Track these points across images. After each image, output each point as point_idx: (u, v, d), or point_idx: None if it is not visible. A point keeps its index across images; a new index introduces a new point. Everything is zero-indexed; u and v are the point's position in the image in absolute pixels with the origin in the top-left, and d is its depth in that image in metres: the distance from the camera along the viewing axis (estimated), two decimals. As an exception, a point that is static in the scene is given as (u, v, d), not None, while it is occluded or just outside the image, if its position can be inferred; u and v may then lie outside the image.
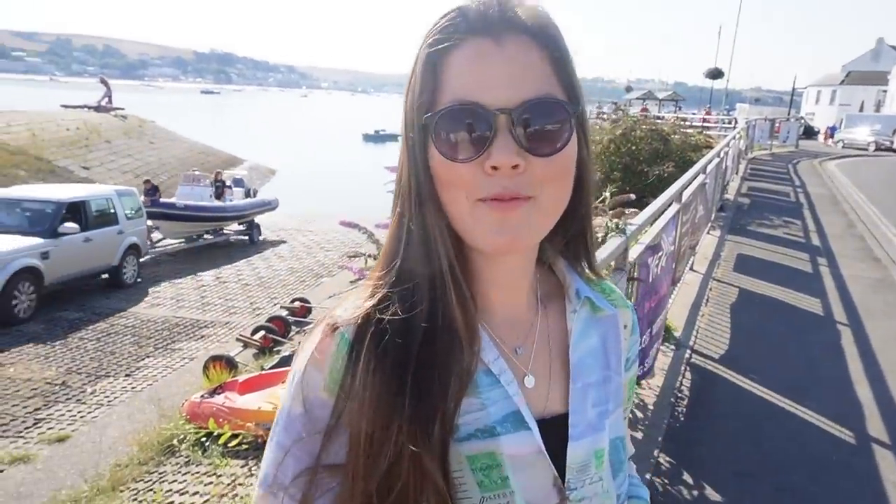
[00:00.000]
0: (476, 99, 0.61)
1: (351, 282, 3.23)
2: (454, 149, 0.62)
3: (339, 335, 0.65)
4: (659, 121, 14.60)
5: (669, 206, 4.55)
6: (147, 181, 15.48)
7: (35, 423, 6.17)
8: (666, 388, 4.10)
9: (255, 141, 39.25)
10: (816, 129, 41.41)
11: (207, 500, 4.35)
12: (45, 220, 9.81)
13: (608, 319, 0.79)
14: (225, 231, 15.90)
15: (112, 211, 11.14)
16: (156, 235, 14.21)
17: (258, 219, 16.48)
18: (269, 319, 8.58)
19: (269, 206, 17.04)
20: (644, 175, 10.47)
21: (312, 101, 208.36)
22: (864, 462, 3.40)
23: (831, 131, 38.12)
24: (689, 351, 4.79)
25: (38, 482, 5.06)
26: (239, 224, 16.07)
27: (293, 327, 8.55)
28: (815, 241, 8.89)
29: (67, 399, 6.77)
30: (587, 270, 0.78)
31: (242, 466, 4.69)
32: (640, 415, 3.72)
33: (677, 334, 5.04)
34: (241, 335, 8.21)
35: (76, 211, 10.25)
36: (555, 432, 0.69)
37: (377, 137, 56.64)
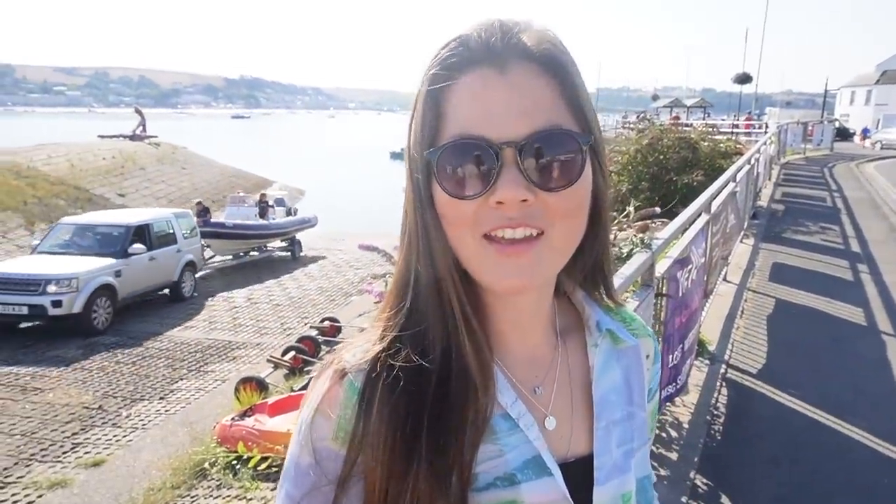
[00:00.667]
0: (480, 132, 0.58)
1: (375, 303, 3.21)
2: (459, 185, 0.59)
3: (348, 382, 0.63)
4: (687, 128, 14.39)
5: (699, 216, 4.44)
6: (199, 203, 16.80)
7: (73, 448, 6.29)
8: (701, 405, 3.97)
9: (284, 162, 39.92)
10: (852, 131, 40.34)
11: (238, 525, 4.35)
12: (116, 242, 11.14)
13: (630, 351, 0.75)
14: (269, 247, 17.17)
15: (171, 232, 12.38)
16: (207, 253, 15.17)
17: (298, 235, 17.41)
18: (299, 339, 8.63)
19: (308, 223, 17.94)
20: (673, 184, 10.30)
21: (339, 122, 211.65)
22: (916, 482, 3.22)
23: (865, 133, 37.48)
24: (724, 365, 4.64)
25: (74, 507, 5.13)
26: (281, 241, 17.24)
27: (323, 347, 8.58)
28: (855, 247, 8.59)
29: (104, 423, 6.89)
30: (605, 298, 0.75)
31: (272, 490, 4.68)
32: (674, 434, 3.60)
33: (712, 348, 4.90)
34: (271, 356, 8.26)
35: (142, 233, 11.55)
36: (579, 476, 0.67)
37: (403, 155, 57.05)
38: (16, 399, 7.44)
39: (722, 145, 11.86)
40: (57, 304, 9.64)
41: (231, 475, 4.98)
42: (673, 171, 10.43)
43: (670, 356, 3.52)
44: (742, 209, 7.93)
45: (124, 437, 6.54)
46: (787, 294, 6.35)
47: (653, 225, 4.48)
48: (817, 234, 9.23)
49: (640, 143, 11.00)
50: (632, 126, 17.81)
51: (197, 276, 13.23)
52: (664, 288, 3.29)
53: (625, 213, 3.31)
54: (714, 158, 11.44)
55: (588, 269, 0.72)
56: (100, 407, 7.27)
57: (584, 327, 0.74)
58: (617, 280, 2.45)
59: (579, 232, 0.64)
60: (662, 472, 3.20)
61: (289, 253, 17.06)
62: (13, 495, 5.39)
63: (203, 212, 15.84)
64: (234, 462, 5.08)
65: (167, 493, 4.98)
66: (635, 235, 3.02)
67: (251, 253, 16.67)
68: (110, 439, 6.49)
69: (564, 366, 0.71)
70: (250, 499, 4.66)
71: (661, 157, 10.85)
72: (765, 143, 11.76)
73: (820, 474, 3.29)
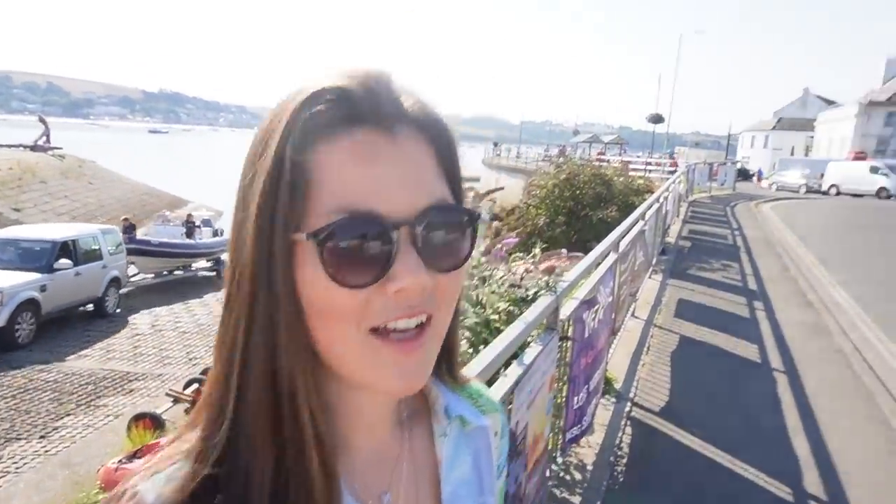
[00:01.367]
0: (371, 207, 0.49)
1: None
2: (347, 271, 0.49)
3: None
4: (602, 164, 14.97)
5: (607, 256, 4.53)
6: (125, 219, 16.86)
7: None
8: (606, 445, 3.98)
9: (203, 181, 38.42)
10: (752, 172, 43.51)
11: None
12: (42, 257, 11.17)
13: (479, 432, 0.69)
14: (194, 267, 17.52)
15: (97, 248, 12.52)
16: (131, 270, 15.06)
17: (224, 255, 17.80)
18: (204, 371, 8.16)
19: None
20: (588, 219, 10.65)
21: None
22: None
23: (759, 174, 41.26)
24: (629, 403, 4.71)
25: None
26: (207, 261, 17.61)
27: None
28: (752, 284, 9.10)
29: (-33, 468, 6.20)
30: (450, 376, 0.68)
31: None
32: (578, 476, 3.58)
33: (618, 386, 4.97)
34: (171, 390, 7.76)
35: (68, 248, 11.60)
36: None
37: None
38: None
39: (635, 183, 12.41)
40: None
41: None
42: (588, 207, 10.80)
43: (575, 398, 3.51)
44: (651, 246, 8.24)
45: (-8, 482, 5.90)
46: (691, 330, 6.59)
47: (563, 264, 4.54)
48: (719, 271, 9.73)
49: (557, 178, 11.34)
50: (552, 160, 18.41)
51: (121, 291, 13.38)
52: (570, 331, 3.29)
53: (532, 254, 3.31)
54: (627, 195, 11.96)
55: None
56: (-33, 448, 6.56)
57: (431, 412, 0.66)
58: (519, 325, 2.40)
59: (453, 313, 0.58)
60: (565, 518, 3.16)
61: (214, 273, 17.28)
62: None
63: (129, 228, 15.98)
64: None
65: (37, 547, 4.49)
66: (541, 278, 3.00)
67: (175, 272, 16.82)
68: (-26, 486, 5.83)
69: (411, 463, 0.63)
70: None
71: (578, 192, 11.22)
72: (674, 182, 12.39)
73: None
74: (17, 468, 6.15)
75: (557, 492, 3.38)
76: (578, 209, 10.98)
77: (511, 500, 2.34)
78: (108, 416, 7.57)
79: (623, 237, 5.17)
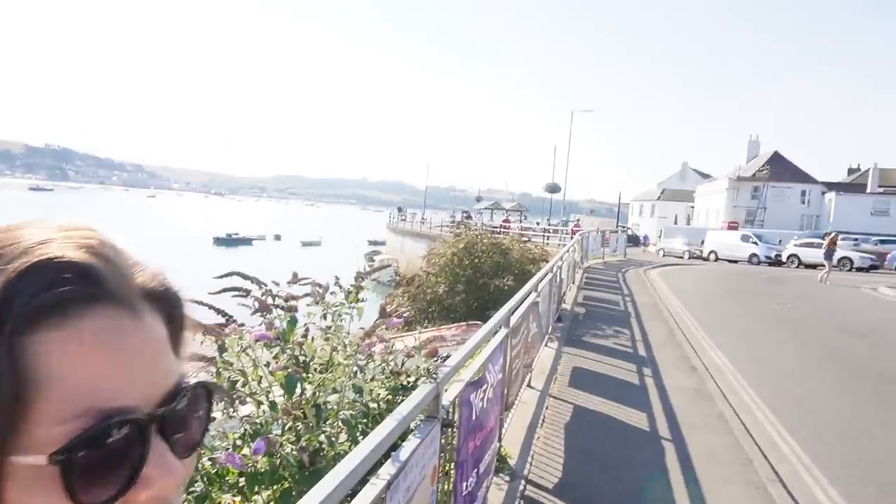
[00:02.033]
0: (123, 402, 0.41)
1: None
2: (95, 488, 0.39)
3: None
4: (500, 233, 15.42)
5: (497, 332, 4.52)
6: None
7: None
8: (497, 531, 3.84)
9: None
10: (642, 239, 46.79)
11: None
12: None
13: None
14: None
15: None
16: None
17: None
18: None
19: None
20: (486, 287, 10.80)
21: (161, 203, 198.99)
22: None
23: (644, 240, 45.75)
24: (523, 481, 4.61)
25: None
26: None
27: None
28: (641, 350, 9.47)
29: None
30: None
31: None
32: (468, 570, 3.39)
33: (512, 462, 4.88)
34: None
35: None
36: None
37: (229, 241, 54.71)
38: None
39: (530, 253, 12.81)
40: None
41: None
42: (486, 275, 10.97)
43: (464, 483, 3.38)
44: (546, 315, 8.40)
45: None
46: (585, 399, 6.68)
47: (449, 338, 4.48)
48: (612, 338, 10.06)
49: (456, 247, 11.49)
50: (457, 225, 18.82)
51: None
52: (454, 415, 3.19)
53: (418, 331, 3.21)
54: (524, 264, 12.29)
55: None
56: None
57: None
58: (392, 421, 2.27)
59: None
60: None
61: None
62: None
63: None
64: None
65: None
66: (423, 362, 2.90)
67: None
68: None
69: None
70: None
71: (477, 260, 11.41)
72: (567, 251, 12.90)
73: None
74: None
75: (445, 590, 3.17)
76: (477, 277, 11.14)
77: None
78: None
79: (514, 311, 5.21)
